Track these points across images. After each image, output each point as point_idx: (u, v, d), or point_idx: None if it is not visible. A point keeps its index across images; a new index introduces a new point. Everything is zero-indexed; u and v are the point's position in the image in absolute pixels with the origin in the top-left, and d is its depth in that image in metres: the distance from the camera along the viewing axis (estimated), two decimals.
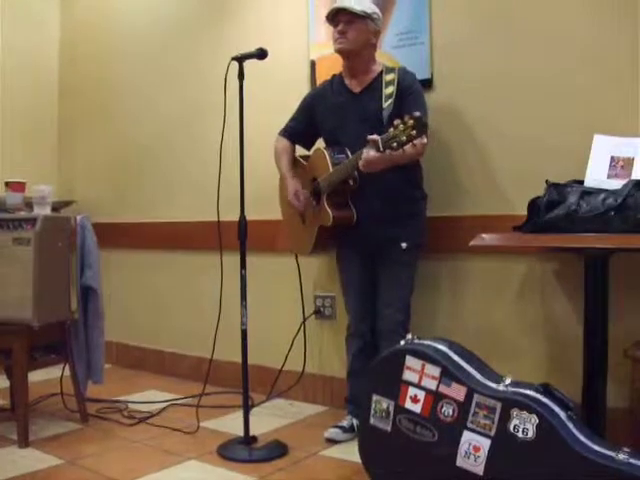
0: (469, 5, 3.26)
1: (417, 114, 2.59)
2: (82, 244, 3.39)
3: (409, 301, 3.15)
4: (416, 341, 2.48)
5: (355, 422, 3.19)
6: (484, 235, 2.59)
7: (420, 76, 3.28)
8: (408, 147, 2.65)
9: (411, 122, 2.58)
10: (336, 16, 3.08)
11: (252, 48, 3.08)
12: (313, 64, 3.78)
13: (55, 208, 3.96)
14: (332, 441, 3.14)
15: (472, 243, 2.59)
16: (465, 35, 3.26)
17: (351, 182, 3.02)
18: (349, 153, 3.04)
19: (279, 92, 3.92)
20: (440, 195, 3.30)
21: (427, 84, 3.33)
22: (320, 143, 3.36)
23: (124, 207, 4.86)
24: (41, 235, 3.11)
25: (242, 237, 3.04)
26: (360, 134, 2.90)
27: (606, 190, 2.48)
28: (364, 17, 3.05)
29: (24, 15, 5.12)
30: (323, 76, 3.65)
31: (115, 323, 4.39)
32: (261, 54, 3.08)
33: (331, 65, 3.62)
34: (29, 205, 3.37)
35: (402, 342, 2.50)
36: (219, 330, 3.33)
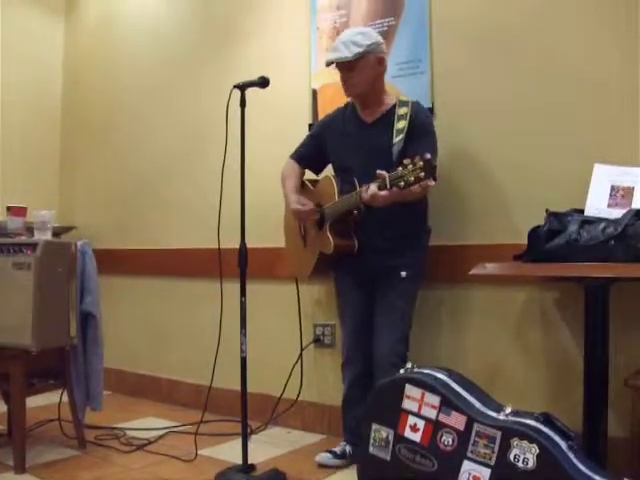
0: (469, 34, 3.28)
1: (428, 156, 2.56)
2: (82, 270, 3.38)
3: (408, 332, 3.13)
4: (416, 370, 2.48)
5: (348, 449, 3.23)
6: (484, 264, 2.59)
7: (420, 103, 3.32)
8: (415, 187, 2.62)
9: (420, 164, 2.56)
10: (335, 65, 3.12)
11: (254, 77, 3.10)
12: (315, 93, 3.81)
13: (56, 233, 3.96)
14: (323, 466, 3.18)
15: (472, 272, 2.59)
16: (465, 64, 3.29)
17: (355, 212, 3.01)
18: (357, 183, 3.00)
19: (280, 121, 3.95)
20: (440, 224, 3.30)
21: (426, 112, 3.35)
22: (330, 169, 3.37)
23: (124, 234, 4.86)
24: (41, 260, 3.11)
25: (242, 264, 3.03)
26: (368, 165, 2.91)
27: (606, 219, 2.49)
28: (361, 57, 3.03)
29: (27, 43, 5.16)
30: (325, 105, 3.69)
31: (114, 350, 4.37)
32: (263, 82, 3.10)
33: (333, 94, 3.66)
34: (30, 230, 3.38)
35: (402, 371, 2.50)
36: (218, 357, 3.32)
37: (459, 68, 3.31)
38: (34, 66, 5.24)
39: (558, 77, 3.01)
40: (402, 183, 2.62)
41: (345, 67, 3.07)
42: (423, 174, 2.55)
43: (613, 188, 2.64)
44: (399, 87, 3.44)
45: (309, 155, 3.39)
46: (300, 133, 3.54)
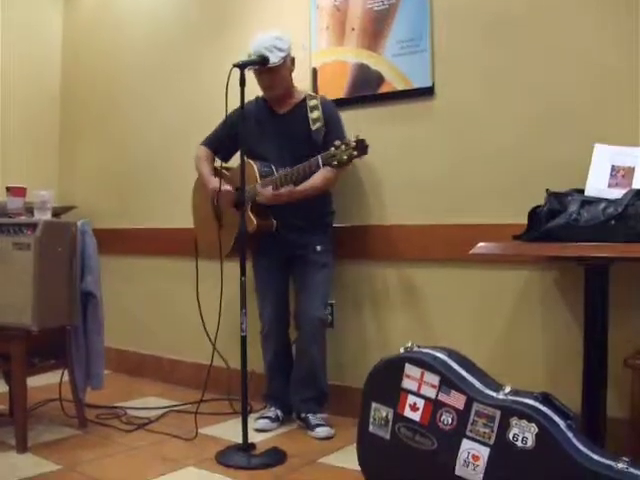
0: (471, 13, 3.26)
1: (361, 137, 2.98)
2: (82, 250, 3.38)
3: (329, 296, 3.51)
4: (415, 349, 2.48)
5: (279, 413, 3.54)
6: (484, 244, 2.59)
7: (421, 83, 3.33)
8: (319, 179, 3.24)
9: (353, 144, 2.97)
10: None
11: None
12: (315, 72, 3.79)
13: (56, 213, 3.95)
14: (262, 430, 3.40)
15: (472, 252, 2.59)
16: (466, 43, 3.27)
17: None
18: (273, 167, 3.36)
19: None
20: (439, 203, 3.31)
21: (428, 92, 3.35)
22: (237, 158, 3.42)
23: (124, 213, 4.86)
24: (41, 240, 3.11)
25: (242, 244, 3.04)
26: (283, 151, 3.38)
27: (606, 199, 2.48)
28: (284, 61, 3.32)
29: (26, 24, 5.13)
30: (325, 83, 3.68)
31: (114, 329, 4.37)
32: (262, 61, 3.11)
33: (333, 72, 3.65)
34: (30, 210, 3.37)
35: (402, 350, 2.50)
36: (218, 337, 3.33)
37: (460, 47, 3.29)
38: (33, 47, 5.20)
39: (559, 57, 3.00)
40: (335, 162, 3.01)
41: (270, 71, 3.32)
42: (356, 152, 2.97)
43: (613, 168, 2.64)
44: (399, 65, 3.43)
45: (222, 142, 3.60)
46: None
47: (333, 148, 3.01)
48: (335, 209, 3.58)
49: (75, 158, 5.27)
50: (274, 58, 3.24)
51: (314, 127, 3.36)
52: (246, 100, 3.12)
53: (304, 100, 3.46)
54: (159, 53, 4.69)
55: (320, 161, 3.08)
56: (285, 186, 3.20)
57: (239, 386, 3.04)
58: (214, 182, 3.46)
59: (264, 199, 3.27)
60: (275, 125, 3.47)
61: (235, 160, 3.55)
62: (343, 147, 2.99)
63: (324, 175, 3.26)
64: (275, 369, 3.59)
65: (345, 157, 2.98)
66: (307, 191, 3.27)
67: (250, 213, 3.30)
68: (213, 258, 3.49)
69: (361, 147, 2.97)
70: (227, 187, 3.42)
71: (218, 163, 3.61)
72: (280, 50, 3.28)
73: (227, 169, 3.62)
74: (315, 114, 3.39)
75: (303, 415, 3.43)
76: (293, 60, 3.44)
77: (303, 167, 3.17)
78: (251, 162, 3.32)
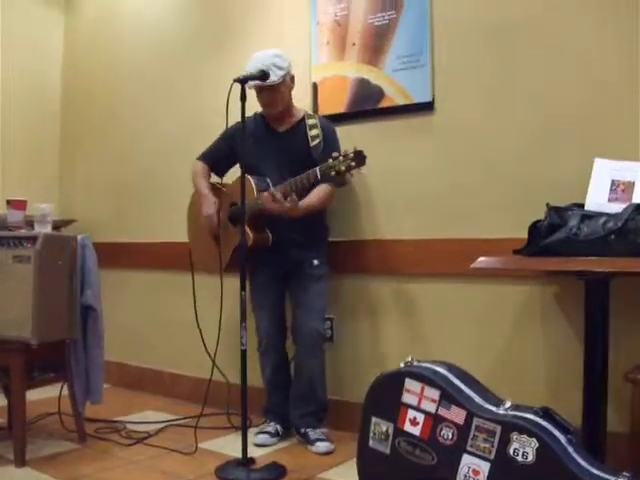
0: (470, 27, 3.27)
1: (358, 149, 2.98)
2: (82, 263, 3.38)
3: (326, 309, 3.49)
4: (415, 364, 2.48)
5: (279, 428, 3.54)
6: (485, 258, 2.59)
7: (422, 98, 3.34)
8: (315, 198, 3.30)
9: (351, 155, 2.98)
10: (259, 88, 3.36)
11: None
12: (315, 86, 3.80)
13: (56, 227, 3.95)
14: (262, 445, 3.39)
15: (473, 266, 2.59)
16: (466, 58, 3.28)
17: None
18: (269, 182, 3.36)
19: None
20: (440, 217, 3.31)
21: (428, 106, 3.36)
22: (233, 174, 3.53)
23: (124, 227, 4.86)
24: (41, 253, 3.11)
25: (242, 258, 3.04)
26: (281, 168, 3.38)
27: (607, 214, 2.49)
28: (283, 79, 3.36)
29: (27, 36, 5.15)
30: (326, 98, 3.70)
31: (114, 343, 4.37)
32: (263, 76, 3.10)
33: (333, 87, 3.66)
34: (30, 223, 3.37)
35: (402, 364, 2.50)
36: (218, 351, 3.32)
37: (460, 61, 3.30)
38: (34, 58, 5.22)
39: (558, 71, 3.01)
40: (333, 172, 3.02)
41: (269, 89, 3.36)
42: (354, 163, 2.98)
43: (613, 183, 2.64)
44: (400, 81, 3.44)
45: (218, 157, 3.64)
46: None
47: (331, 160, 3.03)
48: (329, 224, 3.63)
49: (75, 170, 5.28)
50: (274, 76, 3.25)
51: (313, 143, 3.39)
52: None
53: (303, 119, 3.49)
54: (160, 66, 4.70)
55: (318, 172, 3.11)
56: (289, 197, 3.19)
57: (239, 400, 3.03)
58: (209, 206, 3.51)
59: (268, 205, 3.23)
60: (274, 143, 3.49)
61: (230, 176, 3.62)
62: (341, 158, 3.01)
63: (319, 195, 3.34)
64: (274, 384, 3.59)
65: (343, 167, 2.99)
66: (306, 210, 3.29)
67: (247, 228, 3.23)
68: (209, 271, 3.53)
69: (359, 158, 2.98)
70: (213, 209, 3.50)
71: (214, 178, 3.64)
72: (279, 68, 3.31)
73: (222, 185, 3.62)
74: (314, 132, 3.42)
75: (303, 430, 3.42)
76: (293, 78, 3.47)
77: (301, 178, 3.19)
78: (249, 177, 3.29)
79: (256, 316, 3.57)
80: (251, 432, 3.40)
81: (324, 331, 3.47)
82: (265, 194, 3.22)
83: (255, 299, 3.57)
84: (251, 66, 3.28)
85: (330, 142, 3.41)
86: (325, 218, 3.59)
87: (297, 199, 3.21)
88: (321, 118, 3.54)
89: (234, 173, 3.53)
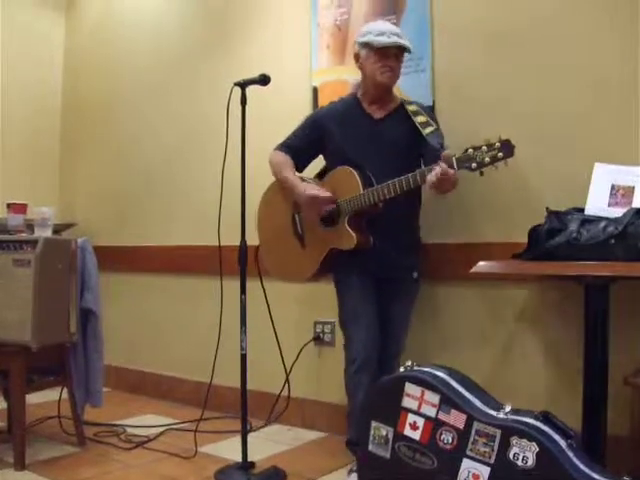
0: (471, 32, 3.28)
1: (505, 137, 2.57)
2: (82, 267, 3.39)
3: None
4: (415, 368, 2.48)
5: None
6: (484, 262, 2.59)
7: (422, 102, 3.32)
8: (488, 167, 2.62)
9: (498, 144, 2.57)
10: (389, 48, 3.01)
11: (254, 74, 3.09)
12: (315, 90, 3.80)
13: (56, 230, 3.96)
14: None
15: (472, 270, 2.59)
16: (467, 62, 3.29)
17: (380, 205, 2.92)
18: (372, 177, 2.93)
19: (281, 119, 3.93)
20: (440, 222, 3.30)
21: (429, 111, 3.36)
22: (313, 167, 3.31)
23: (124, 230, 4.86)
24: (42, 257, 3.11)
25: (243, 262, 3.04)
26: (383, 160, 2.97)
27: (607, 218, 2.49)
28: (408, 52, 3.08)
29: (28, 41, 5.16)
30: (325, 102, 3.66)
31: (114, 346, 4.38)
32: (263, 80, 3.09)
33: (334, 91, 3.66)
34: (30, 227, 3.38)
35: (401, 369, 2.50)
36: (218, 355, 3.32)
37: (460, 66, 3.31)
38: (34, 63, 5.23)
39: (559, 75, 3.01)
40: (474, 164, 2.60)
41: (398, 55, 3.04)
42: (501, 154, 2.55)
43: (613, 187, 2.64)
44: (400, 85, 3.42)
45: (301, 148, 3.24)
46: None
47: (471, 150, 2.61)
48: (427, 221, 3.27)
49: (75, 175, 5.29)
50: (407, 43, 3.01)
51: (426, 131, 2.95)
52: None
53: (402, 105, 3.12)
54: (160, 70, 4.71)
55: (455, 164, 2.64)
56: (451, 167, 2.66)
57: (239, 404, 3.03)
58: (311, 188, 3.07)
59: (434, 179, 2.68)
60: (372, 131, 3.09)
61: (314, 166, 3.31)
62: (485, 148, 2.58)
63: None
64: None
65: (488, 159, 2.57)
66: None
67: (348, 228, 2.97)
68: (289, 279, 3.36)
69: (506, 148, 2.56)
70: (327, 193, 3.04)
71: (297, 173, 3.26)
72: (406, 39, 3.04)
73: (313, 179, 3.25)
74: (421, 118, 3.01)
75: None
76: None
77: (422, 172, 2.76)
78: (351, 170, 2.98)
79: (350, 329, 3.10)
80: (253, 436, 3.40)
81: (399, 355, 3.14)
82: (437, 170, 2.66)
83: (351, 309, 3.10)
84: (374, 29, 3.03)
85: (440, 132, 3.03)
86: (419, 213, 3.23)
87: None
88: (420, 104, 3.17)
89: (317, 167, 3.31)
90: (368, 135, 3.08)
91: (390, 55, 3.01)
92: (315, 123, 3.22)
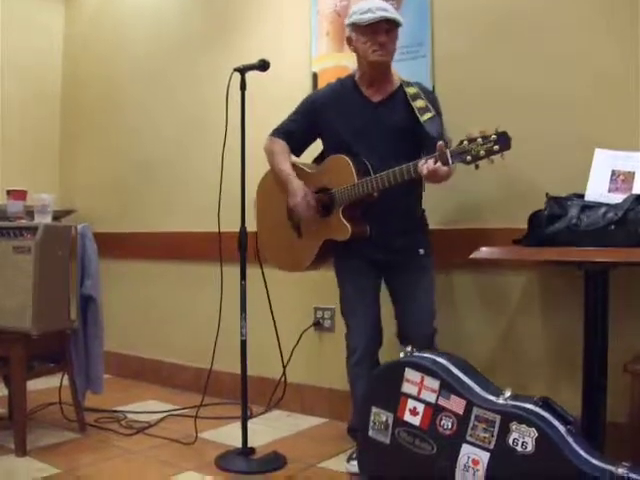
0: (471, 19, 3.27)
1: (501, 130, 2.45)
2: (82, 253, 3.38)
3: (436, 312, 3.04)
4: (416, 354, 2.48)
5: None
6: (484, 248, 2.59)
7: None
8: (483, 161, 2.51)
9: (494, 137, 2.45)
10: (378, 24, 2.86)
11: (254, 61, 3.08)
12: (315, 77, 3.79)
13: (56, 217, 3.95)
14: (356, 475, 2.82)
15: (472, 256, 2.58)
16: (467, 48, 3.28)
17: (376, 194, 2.85)
18: (368, 164, 2.87)
19: (280, 105, 3.90)
20: (440, 208, 3.30)
21: (431, 92, 3.35)
22: (309, 152, 3.25)
23: (124, 217, 4.86)
24: (42, 244, 3.11)
25: (243, 248, 3.03)
26: (379, 145, 2.90)
27: (607, 204, 2.49)
28: (399, 25, 2.92)
29: (27, 29, 5.14)
30: None
31: (114, 333, 4.38)
32: (263, 65, 3.07)
33: (333, 77, 3.63)
34: (30, 214, 3.38)
35: (401, 355, 2.50)
36: (218, 341, 3.32)
37: (460, 52, 3.30)
38: (34, 52, 5.21)
39: (559, 62, 3.01)
40: (469, 157, 2.49)
41: (388, 28, 2.88)
42: (497, 147, 2.44)
43: (614, 173, 2.64)
44: (400, 71, 3.42)
45: (297, 132, 3.13)
46: None
47: (466, 142, 2.50)
48: (429, 207, 3.17)
49: (75, 162, 5.28)
50: (398, 16, 2.87)
51: (424, 117, 2.83)
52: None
53: (400, 87, 3.00)
54: (159, 58, 4.69)
55: (449, 157, 2.54)
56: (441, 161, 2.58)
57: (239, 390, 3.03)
58: (300, 189, 3.00)
59: (427, 173, 2.61)
60: (369, 115, 2.98)
61: (310, 153, 3.23)
62: (480, 140, 2.46)
63: None
64: None
65: (483, 152, 2.45)
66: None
67: (342, 218, 2.90)
68: (286, 268, 3.29)
69: (503, 140, 2.44)
70: (300, 197, 2.99)
71: (293, 158, 3.17)
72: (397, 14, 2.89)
73: (307, 165, 3.17)
74: (419, 102, 2.89)
75: None
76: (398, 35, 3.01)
77: (415, 164, 2.67)
78: (346, 158, 2.90)
79: (350, 320, 3.08)
80: (253, 422, 3.40)
81: (435, 334, 3.01)
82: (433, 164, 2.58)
83: (349, 300, 3.08)
84: (360, 7, 2.88)
85: (440, 115, 2.94)
86: (422, 197, 3.12)
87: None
88: (421, 85, 3.05)
89: (314, 151, 3.23)
90: (366, 120, 2.97)
91: (380, 31, 2.87)
92: (311, 106, 3.13)
